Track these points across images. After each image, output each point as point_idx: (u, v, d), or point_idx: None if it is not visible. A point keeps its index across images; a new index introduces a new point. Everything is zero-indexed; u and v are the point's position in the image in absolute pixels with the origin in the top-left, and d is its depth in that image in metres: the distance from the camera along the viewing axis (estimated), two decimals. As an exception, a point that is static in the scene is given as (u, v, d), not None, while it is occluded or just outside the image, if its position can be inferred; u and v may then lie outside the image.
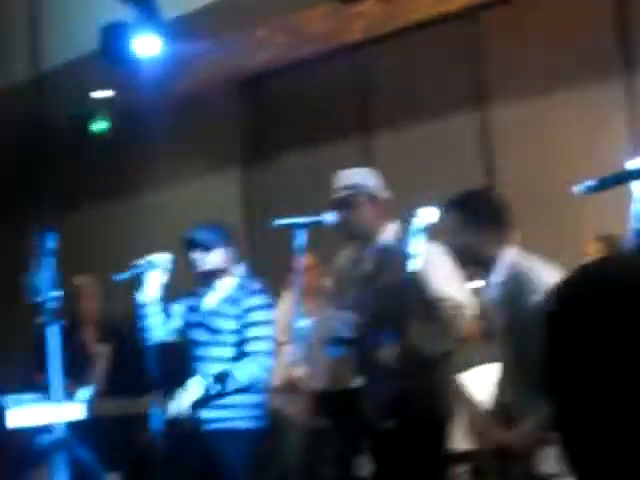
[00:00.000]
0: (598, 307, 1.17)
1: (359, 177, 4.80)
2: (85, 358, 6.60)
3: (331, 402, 5.53)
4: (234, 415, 5.10)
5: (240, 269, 5.33)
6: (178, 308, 5.36)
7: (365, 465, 5.03)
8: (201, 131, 9.85)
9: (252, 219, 9.71)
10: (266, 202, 9.56)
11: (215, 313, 5.21)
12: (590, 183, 3.19)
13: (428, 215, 4.07)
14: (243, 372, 5.07)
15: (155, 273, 5.20)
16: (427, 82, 8.36)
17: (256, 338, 5.12)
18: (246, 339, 5.13)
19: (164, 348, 5.16)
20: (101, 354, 6.33)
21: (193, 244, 5.22)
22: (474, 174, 8.01)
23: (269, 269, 7.37)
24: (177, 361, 5.26)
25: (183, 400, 5.02)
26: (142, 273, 5.18)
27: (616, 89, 7.38)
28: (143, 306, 5.21)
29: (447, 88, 8.27)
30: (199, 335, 5.25)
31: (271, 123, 9.76)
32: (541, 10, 7.74)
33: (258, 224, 9.34)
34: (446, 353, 4.55)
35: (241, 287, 5.23)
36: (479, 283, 5.55)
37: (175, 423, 5.06)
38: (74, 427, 4.48)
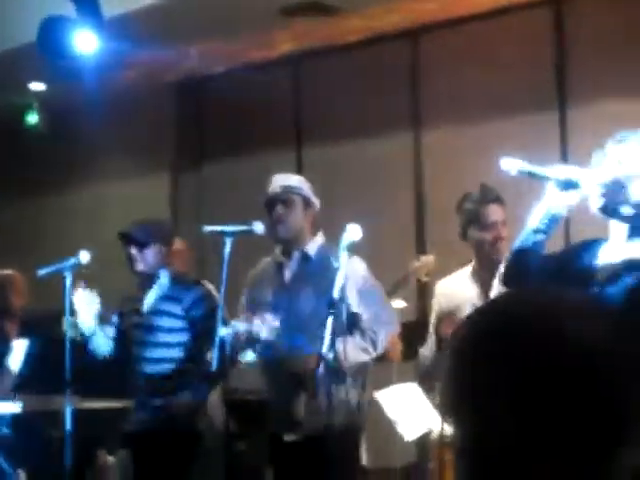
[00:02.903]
0: (502, 343, 1.20)
1: (295, 180, 4.86)
2: (3, 351, 6.53)
3: (243, 410, 5.54)
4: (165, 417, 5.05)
5: (177, 265, 5.31)
6: (114, 318, 5.31)
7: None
8: (136, 131, 9.80)
9: (180, 223, 9.68)
10: (195, 207, 9.55)
11: (154, 312, 5.17)
12: (517, 164, 3.23)
13: (355, 231, 4.12)
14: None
15: (77, 273, 5.14)
16: (364, 100, 8.43)
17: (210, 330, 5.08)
18: (200, 335, 5.05)
19: (79, 345, 5.10)
20: (17, 348, 6.26)
21: (129, 240, 5.18)
22: (404, 196, 8.11)
23: (194, 276, 7.38)
24: (91, 359, 5.20)
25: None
26: (65, 270, 5.12)
27: (551, 121, 7.51)
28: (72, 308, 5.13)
29: (383, 108, 8.34)
30: (138, 336, 5.20)
31: (206, 128, 9.77)
32: (481, 37, 7.86)
33: (185, 229, 9.32)
34: (363, 367, 4.57)
35: (176, 283, 5.19)
36: (400, 302, 5.61)
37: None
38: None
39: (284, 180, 4.81)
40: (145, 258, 5.14)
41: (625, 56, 7.09)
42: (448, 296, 4.72)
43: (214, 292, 6.83)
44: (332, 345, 3.78)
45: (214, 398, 6.74)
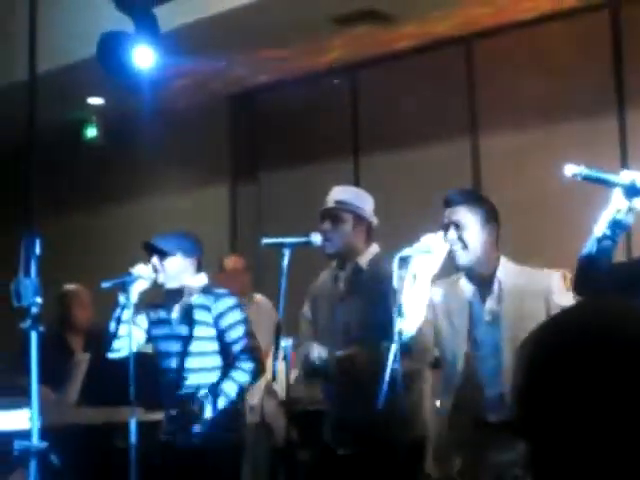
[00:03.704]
0: (576, 356, 1.19)
1: (349, 195, 4.80)
2: (69, 365, 6.58)
3: (305, 420, 5.55)
4: (214, 429, 5.07)
5: (202, 277, 5.32)
6: (141, 320, 5.34)
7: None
8: (192, 144, 9.86)
9: (239, 235, 9.73)
10: (254, 219, 9.58)
11: (185, 322, 5.20)
12: (583, 170, 3.19)
13: (426, 244, 3.95)
14: (233, 386, 5.07)
15: (139, 283, 5.19)
16: (420, 106, 8.41)
17: (237, 340, 5.12)
18: (227, 343, 5.11)
19: (139, 359, 5.13)
20: (81, 362, 6.31)
21: (151, 249, 5.23)
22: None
23: (254, 288, 7.40)
24: (150, 373, 5.23)
25: None
26: (128, 283, 5.16)
27: (610, 125, 7.43)
28: (120, 316, 5.19)
29: (438, 115, 8.32)
30: (170, 347, 5.23)
31: (262, 139, 9.80)
32: (536, 41, 7.81)
33: (245, 241, 9.35)
34: (417, 375, 4.51)
35: (206, 293, 5.22)
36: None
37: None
38: (50, 434, 4.47)
39: (339, 194, 4.78)
40: (166, 268, 5.18)
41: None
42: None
43: (268, 304, 6.87)
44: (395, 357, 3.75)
45: (272, 408, 6.77)
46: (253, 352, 5.13)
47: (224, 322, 5.13)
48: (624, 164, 7.23)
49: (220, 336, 5.13)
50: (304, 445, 6.21)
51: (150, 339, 5.34)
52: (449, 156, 8.26)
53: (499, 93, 8.01)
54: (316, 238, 4.62)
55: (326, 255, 4.77)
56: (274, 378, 4.51)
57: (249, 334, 5.17)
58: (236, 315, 5.17)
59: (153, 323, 5.31)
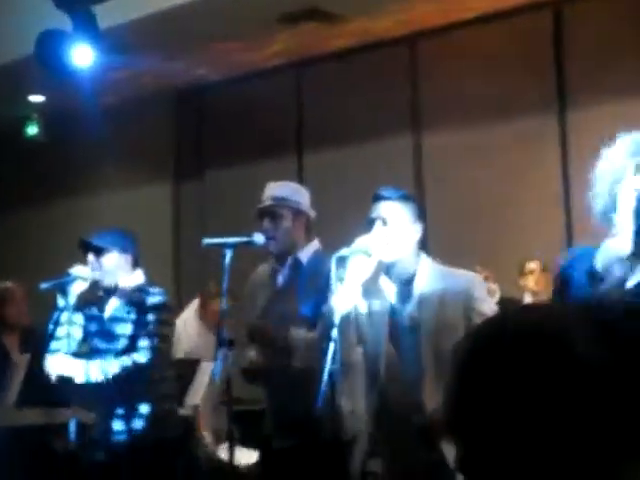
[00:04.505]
0: (510, 356, 1.20)
1: (286, 190, 4.81)
2: (5, 365, 6.50)
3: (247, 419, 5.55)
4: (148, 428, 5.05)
5: (139, 274, 5.28)
6: (78, 318, 5.28)
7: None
8: (135, 141, 9.80)
9: (181, 234, 9.69)
10: (198, 217, 9.54)
11: (114, 319, 5.17)
12: None
13: (362, 241, 3.97)
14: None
15: (78, 284, 5.14)
16: (362, 106, 8.43)
17: (149, 335, 5.07)
18: (138, 335, 5.05)
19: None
20: (20, 363, 6.24)
21: (86, 247, 5.19)
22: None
23: (196, 286, 7.38)
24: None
25: None
26: (66, 284, 5.11)
27: (551, 123, 7.51)
28: (59, 317, 5.14)
29: (381, 113, 8.34)
30: (101, 344, 5.19)
31: (208, 137, 9.76)
32: (479, 40, 7.87)
33: (188, 239, 9.32)
34: (347, 372, 4.51)
35: (139, 291, 5.18)
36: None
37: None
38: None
39: (274, 190, 4.79)
40: (103, 265, 5.15)
41: (624, 57, 7.08)
42: None
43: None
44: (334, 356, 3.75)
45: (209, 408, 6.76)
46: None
47: (147, 318, 5.08)
48: (564, 163, 7.30)
49: (136, 329, 5.08)
50: (246, 444, 6.23)
51: (86, 336, 5.28)
52: (392, 154, 8.28)
53: (442, 92, 8.05)
54: (258, 238, 4.63)
55: (271, 254, 4.77)
56: (215, 378, 4.51)
57: (161, 336, 5.12)
58: (159, 315, 5.12)
59: (88, 320, 5.26)
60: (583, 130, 7.09)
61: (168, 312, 5.25)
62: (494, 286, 6.27)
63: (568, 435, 1.16)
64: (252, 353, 4.60)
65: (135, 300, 5.12)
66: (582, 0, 7.41)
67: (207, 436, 6.81)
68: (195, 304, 7.26)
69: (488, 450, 1.19)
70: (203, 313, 7.15)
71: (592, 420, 1.16)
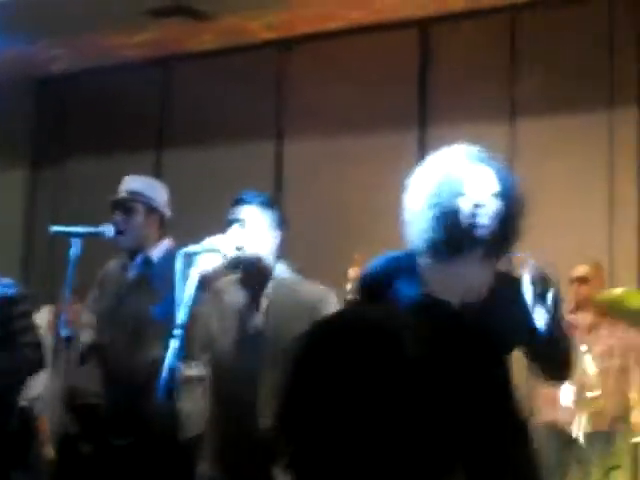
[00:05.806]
0: (339, 355, 1.21)
1: (141, 185, 4.76)
2: None
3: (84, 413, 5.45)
4: None
5: None
6: None
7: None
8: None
9: (37, 224, 9.47)
10: (55, 207, 9.35)
11: None
12: None
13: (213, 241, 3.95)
14: None
15: None
16: (227, 108, 8.40)
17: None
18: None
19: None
20: None
21: None
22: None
23: (45, 277, 7.22)
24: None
25: None
26: None
27: (411, 139, 7.61)
28: None
29: (245, 117, 8.33)
30: None
31: (70, 126, 9.57)
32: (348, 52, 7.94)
33: (43, 230, 9.11)
34: (201, 377, 4.49)
35: None
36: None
37: None
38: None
39: (130, 184, 4.74)
40: None
41: (486, 79, 7.24)
42: None
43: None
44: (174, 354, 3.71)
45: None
46: None
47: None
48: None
49: None
50: (85, 438, 6.11)
51: None
52: (253, 159, 8.28)
53: (307, 100, 8.08)
54: (108, 230, 4.56)
55: (121, 248, 4.71)
56: (53, 367, 4.43)
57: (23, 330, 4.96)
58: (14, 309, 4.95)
59: None
60: (441, 146, 7.20)
61: (24, 304, 5.04)
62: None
63: (394, 431, 1.17)
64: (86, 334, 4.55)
65: None
66: (449, 20, 7.56)
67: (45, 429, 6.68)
68: (46, 313, 7.04)
69: (317, 446, 1.19)
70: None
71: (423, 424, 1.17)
